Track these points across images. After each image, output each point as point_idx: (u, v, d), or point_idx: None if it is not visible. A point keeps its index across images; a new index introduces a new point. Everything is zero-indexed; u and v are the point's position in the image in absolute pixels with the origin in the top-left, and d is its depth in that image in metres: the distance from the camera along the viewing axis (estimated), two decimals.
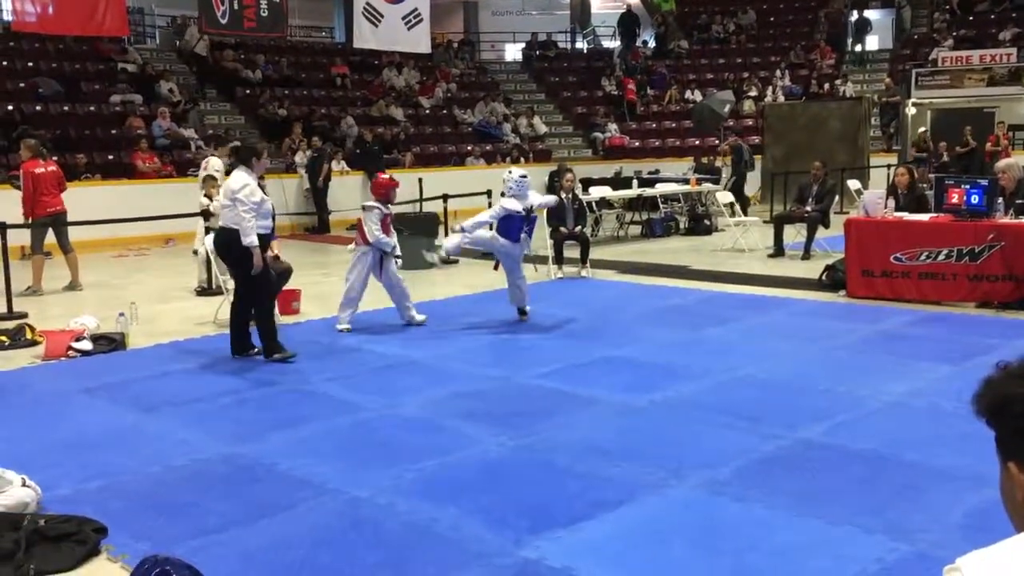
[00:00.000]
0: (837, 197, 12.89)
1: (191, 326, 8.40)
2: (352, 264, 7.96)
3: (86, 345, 7.38)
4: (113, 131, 16.72)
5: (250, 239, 6.66)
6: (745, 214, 15.36)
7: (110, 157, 16.15)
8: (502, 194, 8.25)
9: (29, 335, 7.80)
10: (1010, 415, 1.34)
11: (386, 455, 4.82)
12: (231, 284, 8.69)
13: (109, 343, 7.36)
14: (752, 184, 19.35)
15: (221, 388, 6.26)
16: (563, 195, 11.10)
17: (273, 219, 7.13)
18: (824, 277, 9.69)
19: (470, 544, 3.73)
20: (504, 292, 8.54)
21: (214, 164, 15.48)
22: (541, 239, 11.63)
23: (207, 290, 10.02)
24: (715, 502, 4.11)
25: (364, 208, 8.01)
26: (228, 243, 6.84)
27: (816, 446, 4.82)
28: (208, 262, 9.75)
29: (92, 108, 17.25)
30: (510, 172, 8.32)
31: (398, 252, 8.10)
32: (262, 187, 8.40)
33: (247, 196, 6.64)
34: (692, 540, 3.73)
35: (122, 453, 4.96)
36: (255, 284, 6.88)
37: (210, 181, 10.89)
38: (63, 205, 10.54)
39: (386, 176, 8.27)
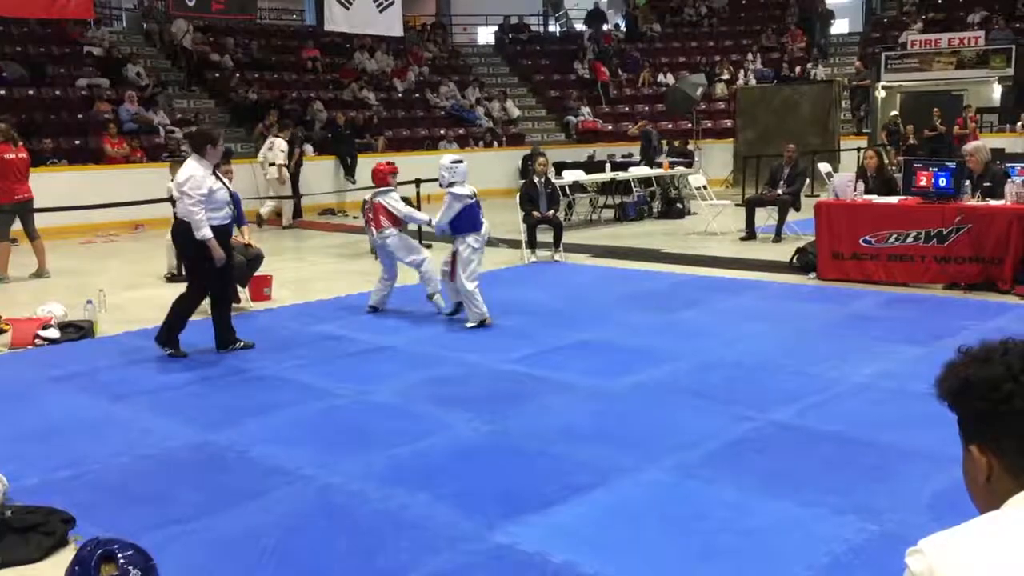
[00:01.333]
0: (808, 180, 12.95)
1: (160, 313, 8.22)
2: (398, 248, 7.91)
3: (53, 333, 7.28)
4: (80, 116, 16.46)
5: (203, 232, 6.36)
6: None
7: (77, 142, 15.91)
8: (440, 186, 7.80)
9: None
10: (971, 398, 1.35)
11: (358, 441, 4.80)
12: None
13: (77, 331, 7.26)
14: (718, 167, 19.44)
15: (191, 376, 6.20)
16: (536, 179, 11.09)
17: (238, 206, 6.88)
18: (795, 260, 9.74)
19: (443, 530, 3.72)
20: (484, 276, 8.46)
21: (279, 145, 15.39)
22: (514, 223, 11.61)
23: (177, 276, 9.89)
24: (687, 484, 4.13)
25: (378, 194, 7.93)
26: (183, 236, 6.56)
27: (787, 428, 4.86)
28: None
29: (58, 92, 16.97)
30: (443, 160, 7.98)
31: (433, 224, 7.82)
32: (227, 173, 8.33)
33: (192, 188, 6.33)
34: (665, 522, 3.75)
35: (90, 442, 4.90)
36: (215, 276, 6.63)
37: (178, 166, 10.76)
38: (31, 192, 10.37)
39: (384, 162, 8.32)
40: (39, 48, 18.02)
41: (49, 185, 12.24)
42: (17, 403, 5.68)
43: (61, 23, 18.29)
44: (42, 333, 7.23)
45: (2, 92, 16.22)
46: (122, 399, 5.71)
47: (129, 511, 3.98)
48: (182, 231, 6.55)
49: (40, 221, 10.60)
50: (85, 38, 18.68)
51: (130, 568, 2.40)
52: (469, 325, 7.39)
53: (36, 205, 10.45)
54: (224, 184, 6.65)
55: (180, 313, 6.69)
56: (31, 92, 16.60)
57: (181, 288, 8.85)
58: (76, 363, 6.40)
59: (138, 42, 20.29)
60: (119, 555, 2.41)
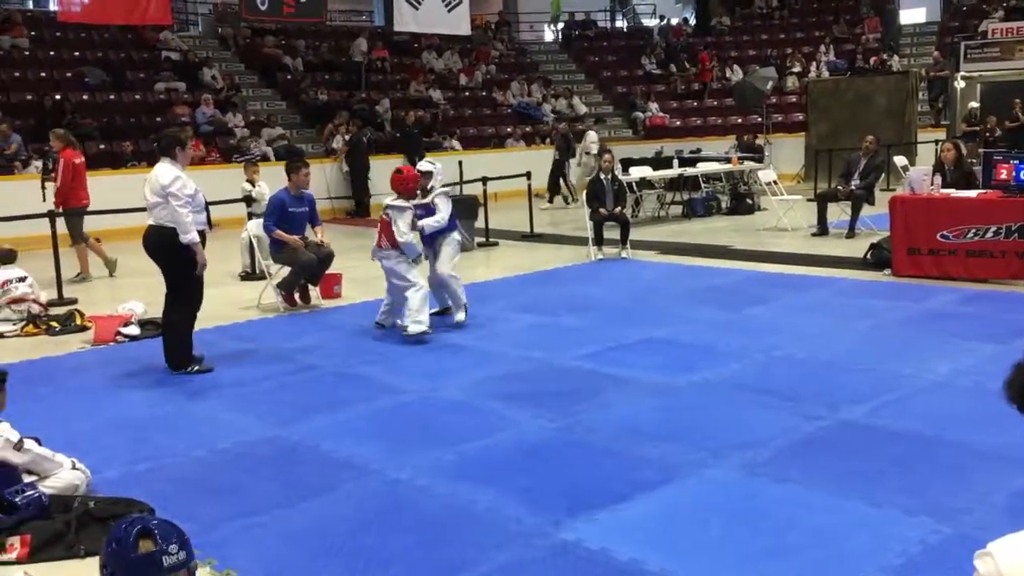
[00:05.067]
0: (883, 174, 12.64)
1: (235, 311, 8.52)
2: (396, 272, 7.19)
3: (134, 330, 7.54)
4: (158, 119, 16.94)
5: (190, 236, 6.09)
6: (570, 200, 16.59)
7: (156, 144, 16.37)
8: (431, 188, 7.55)
9: (79, 321, 7.98)
10: None
11: (426, 437, 4.87)
12: (274, 268, 8.83)
13: (156, 328, 7.47)
14: (789, 162, 19.08)
15: (264, 372, 6.36)
16: (603, 176, 11.05)
17: (208, 211, 6.61)
18: (869, 256, 9.55)
19: (508, 525, 3.76)
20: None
21: (591, 138, 15.84)
22: (580, 220, 11.60)
23: (251, 275, 10.15)
24: (754, 482, 4.09)
25: (391, 208, 7.20)
26: (161, 243, 6.19)
27: (858, 427, 4.77)
28: (251, 247, 9.87)
29: (137, 96, 17.50)
30: (433, 163, 7.79)
31: (422, 259, 7.49)
32: (305, 176, 8.48)
33: (180, 189, 6.06)
34: (731, 520, 3.72)
35: (169, 436, 5.07)
36: (191, 287, 6.34)
37: (251, 168, 11.01)
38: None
39: (400, 174, 7.36)
40: (119, 54, 18.60)
41: (130, 187, 12.60)
42: (99, 398, 5.90)
43: (140, 29, 18.86)
44: (123, 330, 7.49)
45: (85, 97, 16.81)
46: (198, 395, 5.88)
47: (205, 503, 4.11)
48: (158, 239, 6.20)
49: (120, 221, 10.93)
50: (162, 43, 19.22)
51: (168, 544, 2.48)
52: (460, 318, 7.52)
53: (117, 206, 10.78)
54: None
55: (181, 335, 6.41)
56: (112, 96, 17.16)
57: (256, 286, 9.14)
58: (155, 359, 6.61)
59: (213, 46, 20.79)
60: (155, 531, 2.50)
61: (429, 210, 7.54)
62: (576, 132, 18.38)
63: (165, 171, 6.15)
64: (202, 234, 6.30)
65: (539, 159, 18.21)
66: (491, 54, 23.85)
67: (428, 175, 7.61)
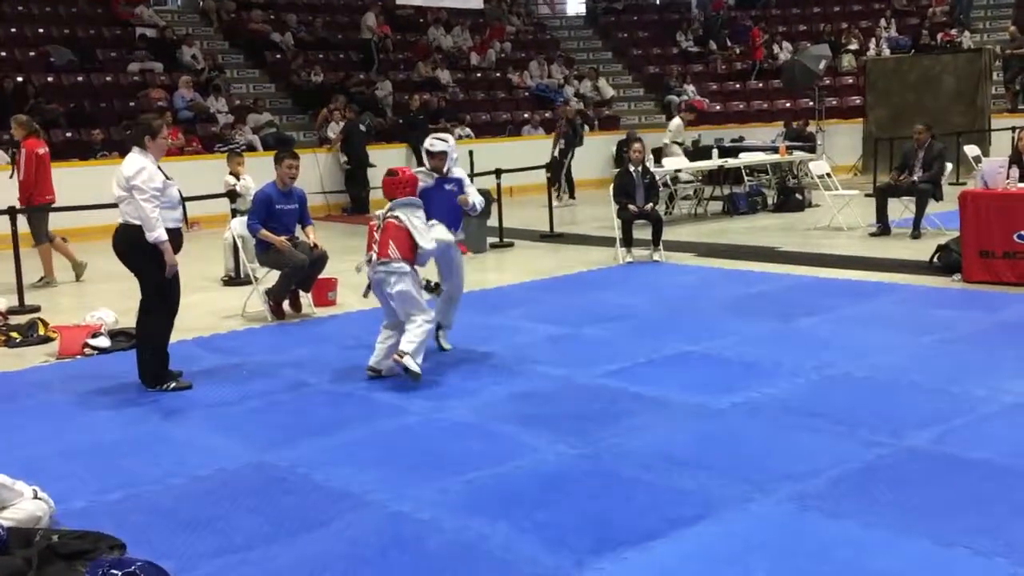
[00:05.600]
0: (950, 165, 12.58)
1: (217, 320, 8.56)
2: (406, 298, 6.37)
3: (103, 342, 7.58)
4: (131, 103, 17.06)
5: (156, 233, 6.07)
6: (569, 198, 16.44)
7: (130, 130, 16.46)
8: (448, 171, 7.00)
9: (42, 331, 8.04)
10: None
11: (432, 464, 4.87)
12: (260, 272, 8.87)
13: (128, 339, 7.53)
14: (844, 151, 19.01)
15: (251, 389, 6.38)
16: (632, 168, 11.05)
17: (183, 207, 6.59)
18: (936, 259, 9.50)
19: (524, 566, 3.75)
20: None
21: (676, 125, 15.96)
22: (606, 218, 11.60)
23: (234, 279, 10.20)
24: (805, 518, 4.07)
25: (405, 207, 6.47)
26: (130, 243, 6.22)
27: (924, 455, 4.75)
28: (235, 248, 9.92)
29: (108, 78, 17.64)
30: (445, 139, 7.12)
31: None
32: (292, 168, 8.50)
33: (145, 182, 6.07)
34: (779, 562, 3.70)
35: (142, 462, 5.09)
36: (166, 293, 6.36)
37: (235, 159, 11.06)
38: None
39: (393, 176, 6.60)
40: (88, 30, 18.76)
41: (100, 179, 12.71)
42: (65, 418, 5.94)
43: (111, 2, 19.02)
44: (91, 342, 7.54)
45: (50, 78, 16.95)
46: (175, 415, 5.91)
47: (183, 537, 4.12)
48: (126, 239, 6.23)
49: (87, 219, 11.01)
50: (137, 18, 19.36)
51: None
52: (448, 346, 7.16)
53: (86, 201, 10.86)
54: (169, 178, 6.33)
55: (156, 347, 6.41)
56: (80, 79, 17.29)
57: (241, 292, 9.19)
58: (128, 375, 6.64)
59: (193, 21, 20.94)
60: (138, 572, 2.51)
61: (461, 186, 6.97)
62: (602, 118, 18.24)
63: (131, 162, 6.20)
64: (176, 233, 6.32)
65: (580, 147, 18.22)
66: (506, 30, 23.93)
67: (443, 156, 6.92)
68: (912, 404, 5.51)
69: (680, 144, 16.12)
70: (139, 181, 6.09)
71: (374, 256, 6.45)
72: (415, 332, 6.30)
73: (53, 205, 10.62)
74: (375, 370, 6.50)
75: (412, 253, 6.42)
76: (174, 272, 6.29)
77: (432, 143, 7.06)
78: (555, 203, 15.77)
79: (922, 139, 11.75)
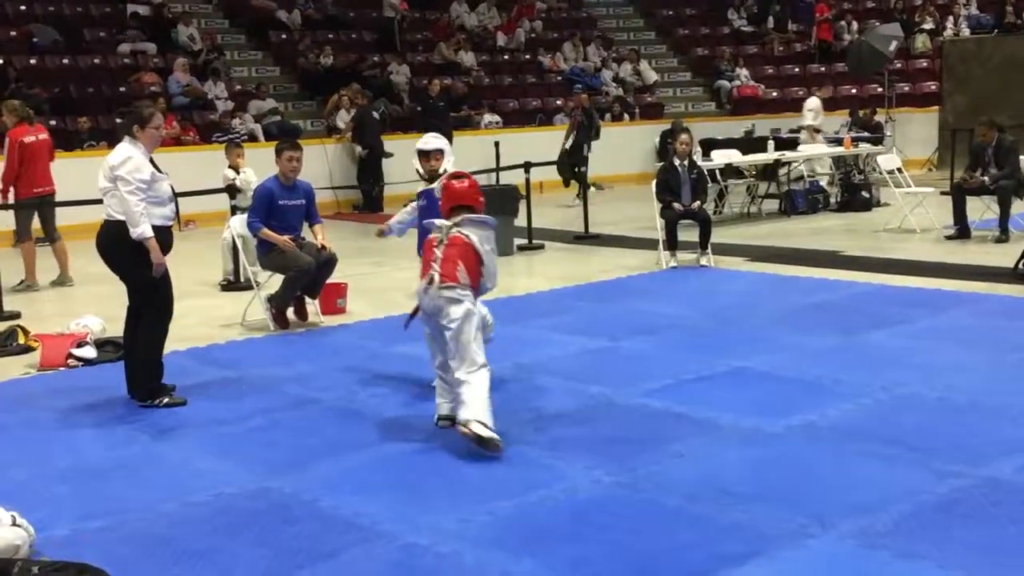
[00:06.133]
0: None
1: (214, 329, 8.61)
2: (467, 337, 5.56)
3: (89, 352, 7.65)
4: (122, 88, 17.24)
5: (141, 229, 6.12)
6: (576, 197, 15.70)
7: (118, 121, 16.64)
8: (443, 172, 6.61)
9: (22, 340, 8.11)
10: None
11: (451, 492, 4.87)
12: (262, 276, 8.92)
13: (116, 350, 7.59)
14: (917, 144, 18.87)
15: (251, 406, 6.41)
16: (677, 161, 11.02)
17: (176, 204, 6.59)
18: (1021, 265, 9.43)
19: None
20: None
21: (815, 104, 15.99)
22: (649, 218, 11.57)
23: (233, 284, 10.27)
24: (872, 557, 4.05)
25: (468, 226, 5.69)
26: (112, 240, 6.29)
27: (1007, 487, 4.70)
28: (234, 250, 9.98)
29: (96, 60, 17.81)
30: (439, 137, 7.05)
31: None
32: (292, 160, 8.53)
33: (130, 172, 6.12)
34: None
35: (131, 486, 5.12)
36: (158, 297, 6.40)
37: (235, 150, 11.13)
38: (53, 184, 10.86)
39: (463, 180, 5.90)
40: (75, 7, 18.96)
41: (85, 172, 12.82)
42: (46, 437, 5.99)
43: None
44: (76, 352, 7.61)
45: (32, 61, 17.14)
46: (168, 434, 5.95)
47: (174, 571, 4.14)
48: (111, 236, 6.29)
49: (75, 216, 11.12)
50: None
51: None
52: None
53: (70, 196, 10.98)
54: (162, 171, 6.39)
55: (147, 358, 6.45)
56: (65, 61, 17.48)
57: (240, 298, 9.23)
58: (115, 388, 6.69)
59: None
60: None
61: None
62: (644, 105, 18.14)
63: (118, 151, 6.28)
64: (165, 231, 6.37)
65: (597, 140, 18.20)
66: (536, 7, 23.96)
67: (440, 155, 6.87)
68: (993, 430, 5.46)
69: (818, 131, 15.89)
70: (124, 171, 6.15)
71: (436, 277, 5.61)
72: (472, 391, 5.42)
73: (48, 198, 10.76)
74: (450, 418, 5.71)
75: (477, 282, 5.72)
76: (162, 272, 6.32)
77: (426, 141, 6.99)
78: (572, 203, 15.72)
79: (989, 135, 11.68)
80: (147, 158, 6.31)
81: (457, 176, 5.98)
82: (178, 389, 6.61)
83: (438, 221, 5.81)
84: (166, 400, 6.44)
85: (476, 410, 5.36)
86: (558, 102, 20.66)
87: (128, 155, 6.22)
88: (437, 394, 5.91)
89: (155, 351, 6.51)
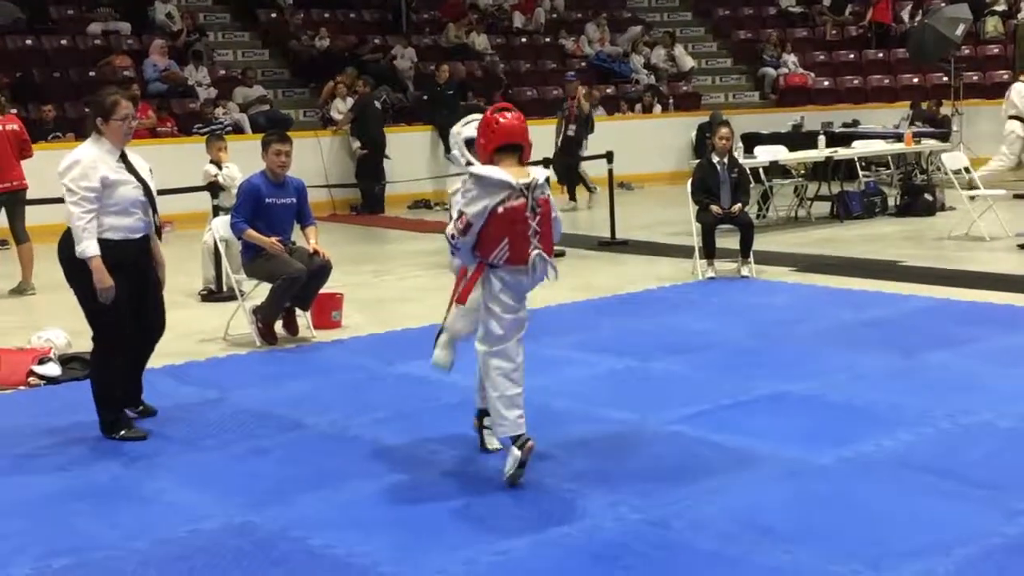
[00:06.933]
0: None
1: (193, 344, 8.63)
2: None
3: (52, 369, 7.68)
4: (91, 73, 17.32)
5: (82, 247, 5.99)
6: (570, 199, 16.17)
7: (87, 109, 16.71)
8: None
9: None
10: None
11: (456, 529, 4.88)
12: (247, 285, 8.95)
13: (83, 367, 7.61)
14: (988, 140, 18.81)
15: (233, 432, 6.43)
16: (716, 159, 11.03)
17: (153, 209, 6.35)
18: None
19: None
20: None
21: (1017, 90, 15.60)
22: (684, 222, 11.57)
23: (215, 293, 10.30)
24: None
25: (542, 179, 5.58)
26: (66, 252, 6.19)
27: None
28: (216, 255, 10.01)
29: (63, 42, 17.90)
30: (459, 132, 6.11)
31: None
32: (282, 155, 8.55)
33: (75, 180, 6.01)
34: None
35: (98, 521, 5.13)
36: (99, 326, 6.30)
37: (217, 143, 11.16)
38: (23, 179, 10.93)
39: (510, 114, 5.66)
40: None
41: (49, 167, 12.89)
42: (4, 465, 6.01)
43: None
44: (38, 369, 7.63)
45: None
46: (140, 462, 5.96)
47: None
48: (68, 245, 6.18)
49: (35, 216, 11.15)
50: None
51: None
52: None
53: (32, 195, 11.03)
54: (137, 176, 6.24)
55: (101, 385, 6.39)
56: (29, 42, 17.57)
57: (223, 309, 9.25)
58: (81, 410, 6.70)
59: None
60: None
61: None
62: (679, 95, 18.04)
63: (71, 154, 6.13)
64: (126, 246, 6.17)
65: (624, 133, 18.24)
66: None
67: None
68: None
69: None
70: (67, 179, 6.03)
71: (542, 253, 5.52)
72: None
73: (18, 195, 10.85)
74: (487, 449, 5.84)
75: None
76: (109, 298, 6.11)
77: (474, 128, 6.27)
78: (568, 205, 15.61)
79: None
80: (114, 156, 6.17)
81: (502, 109, 5.67)
82: (157, 411, 6.65)
83: (510, 179, 5.35)
84: (123, 433, 6.33)
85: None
86: (582, 91, 20.62)
87: (76, 159, 6.08)
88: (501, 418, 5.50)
89: (98, 389, 6.37)
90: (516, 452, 5.31)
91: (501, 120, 5.51)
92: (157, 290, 6.58)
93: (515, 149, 5.50)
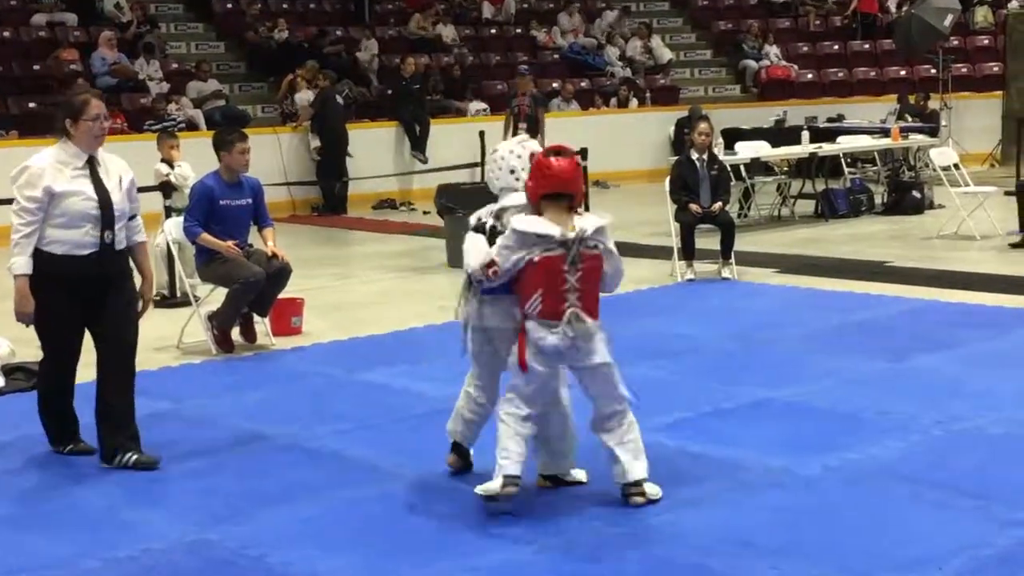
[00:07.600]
0: None
1: (145, 353, 8.49)
2: (613, 371, 5.51)
3: None
4: (35, 67, 17.21)
5: (12, 261, 5.85)
6: None
7: (32, 105, 16.62)
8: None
9: None
10: None
11: (423, 546, 4.87)
12: (202, 290, 8.91)
13: (28, 377, 7.57)
14: (978, 135, 18.96)
15: (188, 444, 6.39)
16: (695, 155, 11.06)
17: (108, 221, 5.97)
18: None
19: None
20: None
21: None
22: (661, 222, 11.59)
23: (168, 299, 10.24)
24: None
25: (596, 225, 5.40)
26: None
27: None
28: (169, 259, 9.95)
29: (6, 34, 17.79)
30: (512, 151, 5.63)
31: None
32: (244, 153, 8.53)
33: (20, 188, 5.89)
34: None
35: (46, 538, 5.09)
36: (41, 332, 6.14)
37: (169, 140, 11.10)
38: None
39: (564, 158, 5.35)
40: None
41: None
42: None
43: None
44: None
45: None
46: (90, 479, 5.92)
47: None
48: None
49: None
50: None
51: None
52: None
53: None
54: (100, 186, 6.01)
55: (45, 398, 6.35)
56: None
57: (176, 316, 9.21)
58: (26, 424, 6.66)
59: None
60: None
61: None
62: (656, 88, 18.10)
63: (30, 159, 6.03)
64: (70, 262, 5.93)
65: (599, 128, 18.27)
66: None
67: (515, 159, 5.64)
68: None
69: None
70: (15, 186, 5.92)
71: (578, 311, 5.26)
72: (634, 437, 5.38)
73: None
74: (554, 478, 5.62)
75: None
76: (26, 322, 5.99)
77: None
78: None
79: None
80: (79, 161, 6.00)
81: (557, 151, 5.39)
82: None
83: (557, 232, 5.15)
84: (70, 447, 6.28)
85: (646, 465, 5.30)
86: (554, 85, 20.64)
87: (26, 165, 5.96)
88: (520, 449, 5.29)
89: (41, 403, 6.33)
90: (496, 484, 5.15)
91: (554, 164, 5.29)
92: (129, 307, 6.30)
93: (565, 197, 5.31)
